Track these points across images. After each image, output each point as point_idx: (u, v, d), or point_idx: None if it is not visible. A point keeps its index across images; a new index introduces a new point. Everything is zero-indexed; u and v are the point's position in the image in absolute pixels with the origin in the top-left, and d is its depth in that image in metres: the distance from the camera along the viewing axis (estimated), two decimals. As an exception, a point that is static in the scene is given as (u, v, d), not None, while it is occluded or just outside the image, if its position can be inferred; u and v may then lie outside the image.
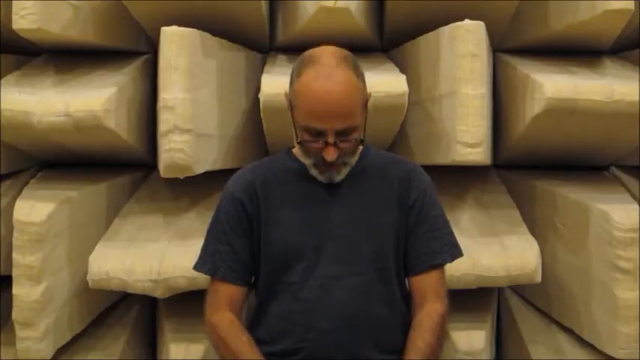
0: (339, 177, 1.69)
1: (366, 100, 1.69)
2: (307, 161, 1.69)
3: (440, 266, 1.77)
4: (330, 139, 1.60)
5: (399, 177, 1.76)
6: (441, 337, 1.72)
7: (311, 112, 1.60)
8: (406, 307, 1.78)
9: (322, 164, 1.66)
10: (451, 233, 1.80)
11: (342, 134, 1.61)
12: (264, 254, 1.73)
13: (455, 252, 1.79)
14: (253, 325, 1.79)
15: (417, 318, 1.72)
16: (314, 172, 1.69)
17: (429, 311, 1.71)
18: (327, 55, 1.65)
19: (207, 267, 1.75)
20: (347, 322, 1.67)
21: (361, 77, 1.68)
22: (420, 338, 1.68)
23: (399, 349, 1.75)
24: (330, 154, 1.62)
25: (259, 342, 1.75)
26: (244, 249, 1.73)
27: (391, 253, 1.73)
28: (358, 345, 1.69)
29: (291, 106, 1.67)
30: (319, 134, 1.61)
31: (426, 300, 1.73)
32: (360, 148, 1.75)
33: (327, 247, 1.69)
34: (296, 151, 1.74)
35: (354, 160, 1.70)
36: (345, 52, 1.69)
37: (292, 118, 1.67)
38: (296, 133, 1.66)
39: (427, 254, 1.74)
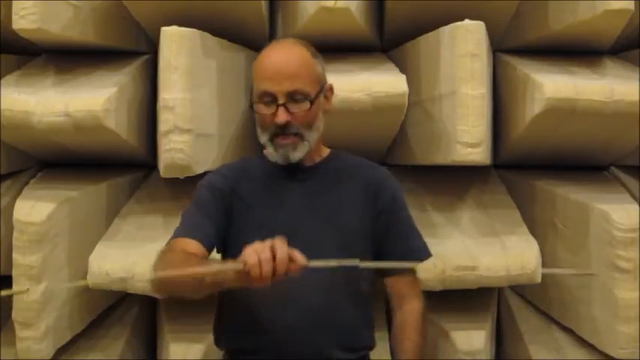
0: (295, 154, 1.69)
1: (324, 85, 1.74)
2: (263, 139, 1.70)
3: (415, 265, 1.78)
4: (281, 100, 1.64)
5: (368, 180, 1.78)
6: (425, 333, 1.74)
7: (262, 73, 1.68)
8: (370, 307, 1.79)
9: (275, 136, 1.66)
10: (420, 235, 1.83)
11: (292, 98, 1.65)
12: (231, 249, 1.73)
13: (427, 252, 1.81)
14: (216, 324, 1.80)
15: (398, 319, 1.74)
16: (270, 151, 1.70)
17: (409, 311, 1.74)
18: (288, 39, 1.77)
19: (178, 232, 1.72)
20: (311, 318, 1.68)
21: (319, 61, 1.74)
22: (407, 339, 1.70)
23: (365, 347, 1.76)
24: (280, 116, 1.64)
25: (222, 341, 1.78)
26: (220, 224, 1.72)
27: (358, 252, 1.72)
28: (322, 343, 1.69)
29: (250, 100, 1.73)
30: (271, 99, 1.65)
31: (404, 299, 1.75)
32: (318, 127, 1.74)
33: (293, 243, 1.69)
34: (267, 152, 1.74)
35: (311, 136, 1.70)
36: (309, 44, 1.76)
37: (251, 100, 1.72)
38: (252, 107, 1.71)
39: (403, 254, 1.76)
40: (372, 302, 1.79)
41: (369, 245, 1.76)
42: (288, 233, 1.69)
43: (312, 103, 1.68)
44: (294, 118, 1.66)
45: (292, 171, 1.75)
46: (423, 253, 1.80)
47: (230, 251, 1.73)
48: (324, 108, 1.75)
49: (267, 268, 1.39)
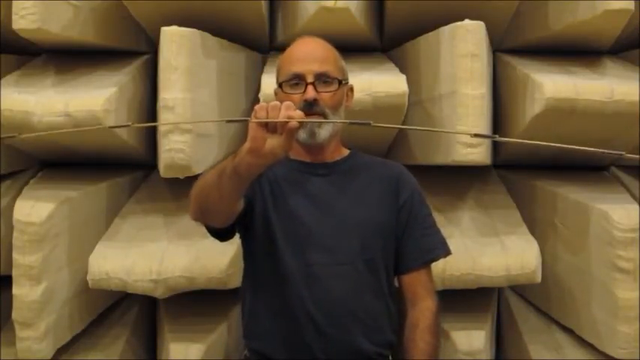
0: (320, 131, 1.74)
1: (348, 80, 1.82)
2: None
3: (432, 262, 1.83)
4: (309, 79, 1.71)
5: (388, 176, 1.83)
6: (438, 333, 1.77)
7: (291, 58, 1.76)
8: (393, 304, 1.80)
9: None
10: (440, 232, 1.87)
11: (320, 79, 1.72)
12: (257, 239, 1.76)
13: (447, 249, 1.86)
14: (243, 318, 1.83)
15: (412, 317, 1.76)
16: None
17: (423, 309, 1.76)
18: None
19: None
20: (336, 309, 1.71)
21: (341, 59, 1.83)
22: (421, 340, 1.71)
23: (389, 343, 1.77)
24: (309, 92, 1.70)
25: (249, 332, 1.80)
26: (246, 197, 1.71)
27: (378, 247, 1.77)
28: (349, 331, 1.71)
29: (278, 83, 1.79)
30: (299, 81, 1.72)
31: (418, 297, 1.78)
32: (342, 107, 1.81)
33: (316, 236, 1.72)
34: (290, 152, 1.76)
35: (336, 116, 1.75)
36: None
37: (277, 93, 1.79)
38: None
39: (421, 251, 1.81)
40: (394, 304, 1.81)
41: (392, 236, 1.79)
42: (314, 223, 1.73)
43: (339, 84, 1.75)
44: (321, 98, 1.71)
45: (315, 166, 1.79)
46: (439, 252, 1.83)
47: (257, 241, 1.76)
48: (345, 104, 1.81)
49: (274, 111, 1.41)
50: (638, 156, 1.25)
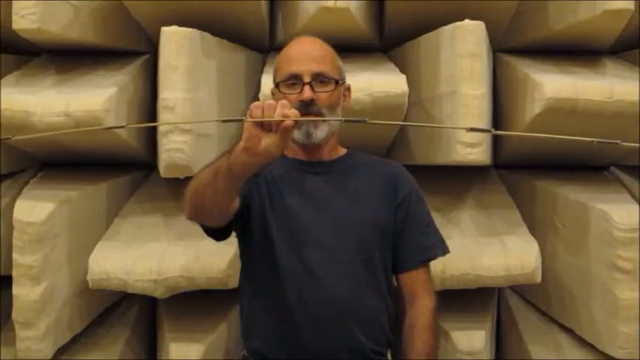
0: (317, 132, 1.74)
1: (345, 79, 1.81)
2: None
3: (430, 260, 1.83)
4: (306, 79, 1.71)
5: (386, 175, 1.83)
6: (437, 332, 1.77)
7: (288, 58, 1.76)
8: (391, 302, 1.80)
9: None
10: (438, 231, 1.86)
11: (317, 79, 1.71)
12: (255, 237, 1.76)
13: (445, 247, 1.85)
14: (241, 318, 1.82)
15: (410, 316, 1.76)
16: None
17: (421, 308, 1.76)
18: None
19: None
20: (335, 307, 1.71)
21: (339, 58, 1.82)
22: (419, 339, 1.71)
23: (387, 342, 1.77)
24: (306, 92, 1.70)
25: (247, 332, 1.79)
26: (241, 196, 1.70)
27: (377, 246, 1.77)
28: (348, 328, 1.71)
29: (275, 83, 1.79)
30: (296, 81, 1.71)
31: (416, 296, 1.78)
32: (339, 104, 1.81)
33: (313, 234, 1.73)
34: (287, 151, 1.77)
35: (333, 116, 1.74)
36: None
37: (274, 93, 1.79)
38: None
39: (419, 249, 1.81)
40: (393, 302, 1.81)
41: (390, 234, 1.79)
42: (312, 222, 1.72)
43: (336, 84, 1.74)
44: (317, 99, 1.71)
45: (312, 165, 1.79)
46: (437, 251, 1.83)
47: (254, 240, 1.76)
48: (343, 104, 1.81)
49: (269, 110, 1.41)
50: (636, 144, 1.25)
